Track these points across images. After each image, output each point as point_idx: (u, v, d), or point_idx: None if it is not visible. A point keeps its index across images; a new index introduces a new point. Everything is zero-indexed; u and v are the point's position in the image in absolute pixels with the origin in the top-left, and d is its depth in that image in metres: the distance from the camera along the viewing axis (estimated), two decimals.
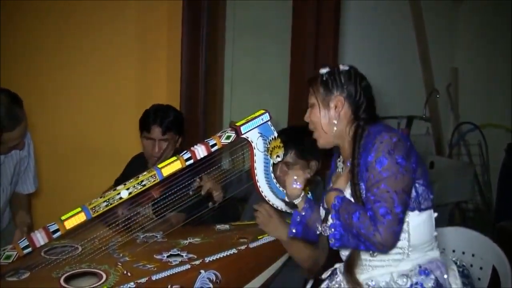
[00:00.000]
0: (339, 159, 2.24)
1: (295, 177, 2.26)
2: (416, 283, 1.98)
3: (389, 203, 1.85)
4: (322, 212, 2.17)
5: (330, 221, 2.01)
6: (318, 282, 2.33)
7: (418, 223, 2.00)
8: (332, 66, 2.17)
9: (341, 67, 2.15)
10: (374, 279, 2.01)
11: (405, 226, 1.97)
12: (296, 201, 2.29)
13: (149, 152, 3.18)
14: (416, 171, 1.96)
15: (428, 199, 2.02)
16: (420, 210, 2.00)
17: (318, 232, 2.14)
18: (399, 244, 1.98)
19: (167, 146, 3.15)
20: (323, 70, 2.16)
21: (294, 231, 2.30)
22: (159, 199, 2.52)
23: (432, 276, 2.01)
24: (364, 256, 2.04)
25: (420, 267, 2.01)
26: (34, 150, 3.16)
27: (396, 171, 1.89)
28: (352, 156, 2.02)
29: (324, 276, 2.27)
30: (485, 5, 6.01)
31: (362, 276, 2.05)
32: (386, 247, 1.87)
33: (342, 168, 2.19)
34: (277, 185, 2.55)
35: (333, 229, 1.96)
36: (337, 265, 2.23)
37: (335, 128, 2.11)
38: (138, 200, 2.55)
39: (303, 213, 2.28)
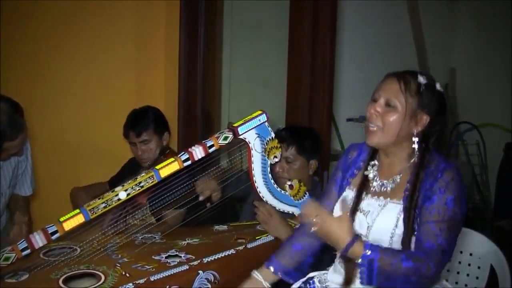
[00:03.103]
0: (373, 163, 2.15)
1: None
2: None
3: (450, 244, 1.88)
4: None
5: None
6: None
7: None
8: (429, 79, 2.05)
9: (438, 87, 2.06)
10: None
11: None
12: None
13: (136, 156, 3.22)
14: None
15: None
16: None
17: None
18: None
19: (151, 146, 3.18)
20: (422, 80, 2.02)
21: (292, 281, 2.26)
22: (155, 200, 2.51)
23: None
24: None
25: None
26: (31, 153, 3.17)
27: (460, 218, 1.92)
28: (413, 181, 1.98)
29: (295, 286, 2.27)
30: (482, 5, 6.02)
31: None
32: (435, 276, 1.90)
33: (375, 178, 2.11)
34: (275, 185, 2.55)
35: (363, 278, 1.85)
36: (313, 274, 2.25)
37: (400, 140, 2.03)
38: (127, 209, 2.56)
39: (279, 274, 2.25)
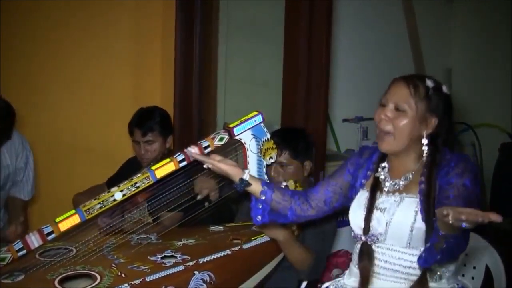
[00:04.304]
0: (383, 165, 2.17)
1: None
2: None
3: None
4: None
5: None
6: (312, 284, 2.35)
7: None
8: (436, 83, 2.07)
9: (445, 90, 2.09)
10: None
11: None
12: (245, 176, 2.17)
13: (138, 155, 3.21)
14: None
15: None
16: None
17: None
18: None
19: (155, 147, 3.17)
20: (430, 84, 2.05)
21: (259, 219, 2.22)
22: (153, 200, 2.51)
23: None
24: (411, 270, 2.02)
25: (458, 285, 2.08)
26: (33, 158, 3.19)
27: (477, 199, 1.92)
28: (428, 178, 1.99)
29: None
30: (478, 5, 6.03)
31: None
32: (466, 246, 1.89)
33: (386, 179, 2.13)
34: None
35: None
36: (327, 284, 2.29)
37: (411, 144, 2.06)
38: (124, 207, 2.56)
39: (263, 197, 2.19)
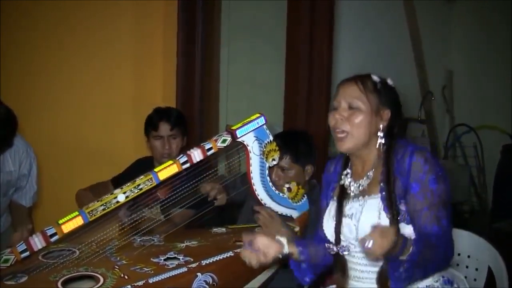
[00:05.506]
0: (346, 173, 2.18)
1: None
2: None
3: (449, 222, 1.91)
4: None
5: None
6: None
7: None
8: (380, 77, 2.12)
9: (390, 82, 2.13)
10: None
11: None
12: (285, 250, 2.15)
13: (159, 152, 3.17)
14: None
15: None
16: None
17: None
18: None
19: (178, 143, 3.17)
20: (376, 78, 2.09)
21: (308, 279, 2.26)
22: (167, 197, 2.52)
23: (455, 286, 2.07)
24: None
25: (443, 277, 2.05)
26: (37, 166, 3.19)
27: (447, 192, 1.94)
28: (386, 174, 2.00)
29: None
30: (479, 6, 6.03)
31: None
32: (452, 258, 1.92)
33: (350, 183, 2.14)
34: (273, 188, 2.55)
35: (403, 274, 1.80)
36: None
37: (370, 139, 2.08)
38: (144, 201, 2.55)
39: (302, 258, 2.21)
